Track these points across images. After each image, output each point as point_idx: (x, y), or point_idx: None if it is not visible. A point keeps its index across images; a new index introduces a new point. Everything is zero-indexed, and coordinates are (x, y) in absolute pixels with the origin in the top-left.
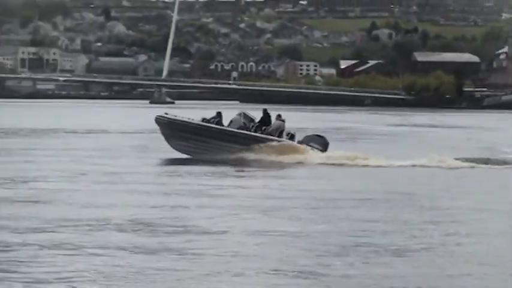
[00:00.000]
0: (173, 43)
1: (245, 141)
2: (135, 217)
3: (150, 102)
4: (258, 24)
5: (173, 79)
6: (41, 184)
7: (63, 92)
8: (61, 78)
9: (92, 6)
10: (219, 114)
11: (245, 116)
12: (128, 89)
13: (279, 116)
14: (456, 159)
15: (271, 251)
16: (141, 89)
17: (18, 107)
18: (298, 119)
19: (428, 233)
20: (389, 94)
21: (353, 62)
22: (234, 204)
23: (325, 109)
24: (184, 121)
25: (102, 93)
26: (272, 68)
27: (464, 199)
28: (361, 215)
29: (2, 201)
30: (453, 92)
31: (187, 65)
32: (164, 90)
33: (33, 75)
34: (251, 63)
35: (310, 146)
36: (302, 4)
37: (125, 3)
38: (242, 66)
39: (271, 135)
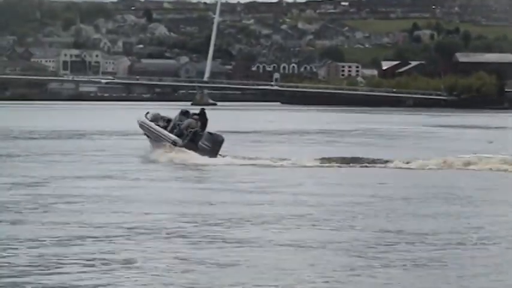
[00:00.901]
0: (215, 45)
1: (158, 139)
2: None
3: (192, 104)
4: (300, 25)
5: (215, 81)
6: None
7: (105, 94)
8: (103, 81)
9: (133, 8)
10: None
11: (184, 113)
12: (170, 91)
13: (194, 114)
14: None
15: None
16: (183, 91)
17: (60, 110)
18: (331, 120)
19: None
20: (430, 95)
21: (395, 62)
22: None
23: (365, 110)
24: (143, 122)
25: (144, 95)
26: (314, 69)
27: None
28: None
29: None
30: (495, 93)
31: (229, 67)
32: (206, 91)
33: (76, 78)
34: (293, 64)
35: (202, 144)
36: (343, 5)
37: (166, 5)
38: (284, 67)
39: (182, 133)
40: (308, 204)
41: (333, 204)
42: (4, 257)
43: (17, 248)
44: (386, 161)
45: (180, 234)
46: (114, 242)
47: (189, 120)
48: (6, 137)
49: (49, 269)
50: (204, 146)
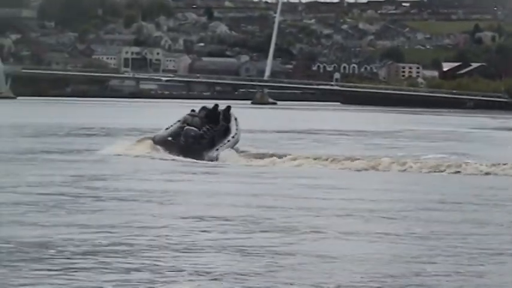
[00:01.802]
0: (275, 44)
1: None
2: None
3: (252, 103)
4: (361, 25)
5: (275, 80)
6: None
7: (166, 92)
8: (164, 78)
9: (194, 6)
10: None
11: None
12: (230, 89)
13: (192, 110)
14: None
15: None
16: (243, 90)
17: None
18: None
19: None
20: (491, 97)
21: (455, 64)
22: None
23: (423, 111)
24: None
25: (204, 93)
26: (374, 70)
27: None
28: None
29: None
30: None
31: (289, 66)
32: (266, 90)
33: (136, 75)
34: (353, 64)
35: (180, 139)
36: (405, 6)
37: (227, 3)
38: (344, 67)
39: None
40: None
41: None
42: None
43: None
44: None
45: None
46: None
47: (185, 116)
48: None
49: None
50: (181, 141)
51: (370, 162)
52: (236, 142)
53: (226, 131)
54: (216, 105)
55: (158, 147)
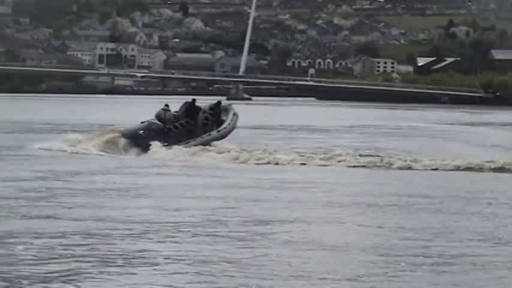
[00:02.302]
0: (250, 39)
1: None
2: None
3: (227, 99)
4: (335, 21)
5: (250, 75)
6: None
7: (141, 88)
8: (139, 74)
9: (169, 2)
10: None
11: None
12: (205, 85)
13: (165, 105)
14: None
15: None
16: (218, 85)
17: (96, 103)
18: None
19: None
20: (466, 92)
21: (430, 59)
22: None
23: (398, 106)
24: None
25: (179, 89)
26: (349, 65)
27: None
28: None
29: None
30: None
31: (264, 62)
32: (241, 86)
33: (111, 71)
34: (328, 60)
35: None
36: (379, 1)
37: None
38: (319, 63)
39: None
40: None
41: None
42: None
43: None
44: None
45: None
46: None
47: (159, 110)
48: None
49: None
50: (141, 134)
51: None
52: (219, 137)
53: (207, 125)
54: (219, 102)
55: (125, 140)
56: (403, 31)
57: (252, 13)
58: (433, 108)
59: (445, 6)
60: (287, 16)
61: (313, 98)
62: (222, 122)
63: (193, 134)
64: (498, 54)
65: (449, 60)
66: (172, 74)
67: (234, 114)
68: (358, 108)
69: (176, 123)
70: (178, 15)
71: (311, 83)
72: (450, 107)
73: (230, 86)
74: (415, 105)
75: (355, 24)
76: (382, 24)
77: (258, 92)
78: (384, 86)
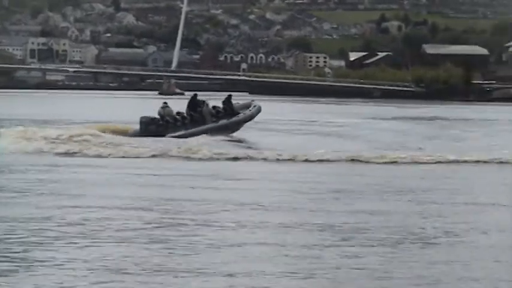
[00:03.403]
0: (183, 34)
1: None
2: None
3: (159, 94)
4: (268, 15)
5: (183, 70)
6: None
7: (73, 83)
8: (70, 69)
9: None
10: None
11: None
12: (137, 80)
13: (164, 103)
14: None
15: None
16: (150, 80)
17: (27, 97)
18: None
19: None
20: (398, 86)
21: (362, 54)
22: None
23: (330, 101)
24: None
25: (111, 84)
26: (281, 60)
27: None
28: None
29: None
30: (461, 85)
31: (196, 56)
32: (173, 81)
33: (43, 66)
34: (261, 54)
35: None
36: None
37: None
38: (252, 57)
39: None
40: None
41: None
42: None
43: None
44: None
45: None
46: None
47: (159, 109)
48: None
49: None
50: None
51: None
52: (218, 128)
53: (218, 117)
54: (229, 96)
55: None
56: (335, 26)
57: (184, 8)
58: (365, 103)
59: (377, 1)
60: (219, 11)
61: (246, 93)
62: (236, 114)
63: (199, 125)
64: (430, 49)
65: (381, 54)
66: (105, 68)
67: (250, 108)
68: (287, 103)
69: (176, 116)
70: (110, 9)
71: (243, 77)
72: (382, 101)
73: (162, 81)
74: (347, 100)
75: (287, 19)
76: (315, 19)
77: (191, 86)
78: (316, 80)
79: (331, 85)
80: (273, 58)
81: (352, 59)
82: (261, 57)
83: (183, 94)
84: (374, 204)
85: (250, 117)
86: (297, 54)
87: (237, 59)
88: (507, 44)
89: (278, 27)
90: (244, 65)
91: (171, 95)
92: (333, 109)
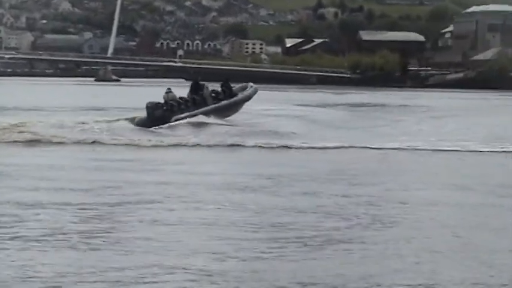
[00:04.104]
0: (119, 21)
1: None
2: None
3: (96, 80)
4: (204, 2)
5: (119, 57)
6: None
7: (8, 70)
8: (6, 56)
9: None
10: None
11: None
12: (73, 66)
13: (168, 89)
14: None
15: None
16: (86, 67)
17: None
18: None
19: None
20: (334, 73)
21: (299, 40)
22: None
23: (266, 87)
24: None
25: (47, 71)
26: (218, 47)
27: None
28: None
29: None
30: (398, 71)
31: (133, 43)
32: (110, 68)
33: None
34: (197, 41)
35: None
36: None
37: None
38: (188, 44)
39: None
40: None
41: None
42: None
43: None
44: None
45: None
46: None
47: (163, 95)
48: None
49: None
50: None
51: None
52: (220, 109)
53: (217, 99)
54: (226, 79)
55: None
56: (271, 12)
57: None
58: (300, 89)
59: None
60: None
61: (182, 80)
62: (234, 95)
63: (202, 107)
64: (366, 35)
65: (317, 41)
66: (40, 55)
67: (247, 89)
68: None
69: (179, 100)
70: None
71: (180, 64)
72: (318, 87)
73: (98, 68)
74: (284, 86)
75: (223, 6)
76: (251, 5)
77: (127, 73)
78: (252, 67)
79: (267, 71)
80: (209, 45)
81: (288, 45)
82: (197, 43)
83: (119, 81)
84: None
85: (248, 98)
86: (233, 41)
87: (173, 45)
88: (443, 31)
89: (214, 13)
90: (180, 52)
91: (108, 81)
92: (266, 96)
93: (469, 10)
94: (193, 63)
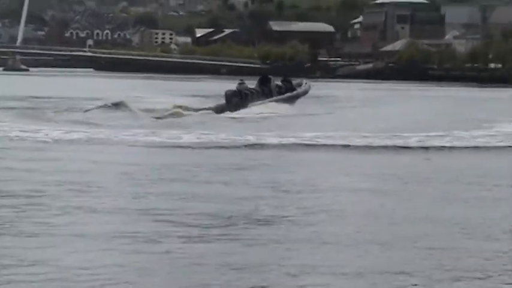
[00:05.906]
0: (27, 10)
1: None
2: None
3: (4, 70)
4: None
5: (28, 46)
6: None
7: None
8: None
9: None
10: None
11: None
12: None
13: (240, 80)
14: None
15: None
16: None
17: None
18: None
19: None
20: (244, 63)
21: (209, 30)
22: None
23: (176, 77)
24: None
25: None
26: (128, 36)
27: None
28: None
29: None
30: (308, 62)
31: (42, 33)
32: (19, 57)
33: None
34: (106, 31)
35: None
36: None
37: None
38: (97, 34)
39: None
40: None
41: None
42: None
43: None
44: None
45: None
46: None
47: (237, 86)
48: None
49: None
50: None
51: None
52: (283, 100)
53: (280, 92)
54: (285, 75)
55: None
56: (181, 2)
57: None
58: (211, 79)
59: None
60: None
61: (91, 69)
62: (294, 90)
63: (269, 97)
64: (276, 26)
65: (227, 31)
66: None
67: (302, 85)
68: (133, 80)
69: (252, 90)
70: None
71: (89, 53)
72: (227, 78)
73: (7, 57)
74: (194, 77)
75: None
76: None
77: (36, 63)
78: (162, 57)
79: (177, 61)
80: (119, 34)
81: (198, 35)
82: (107, 33)
83: (27, 70)
84: None
85: (305, 92)
86: (143, 31)
87: (82, 35)
88: (353, 21)
89: (124, 3)
90: (90, 41)
91: (17, 71)
92: (171, 86)
93: (379, 1)
94: (103, 53)
